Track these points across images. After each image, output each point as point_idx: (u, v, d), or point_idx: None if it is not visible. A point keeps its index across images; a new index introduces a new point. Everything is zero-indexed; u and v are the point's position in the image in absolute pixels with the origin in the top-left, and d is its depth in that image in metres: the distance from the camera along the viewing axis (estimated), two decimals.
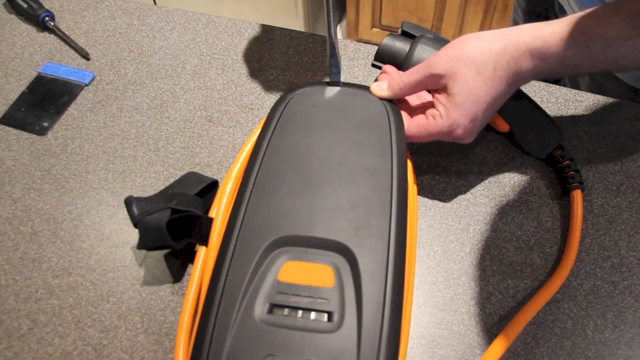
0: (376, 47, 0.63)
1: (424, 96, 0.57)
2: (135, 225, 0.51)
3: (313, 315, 0.40)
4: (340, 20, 2.10)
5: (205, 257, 0.50)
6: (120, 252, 0.57)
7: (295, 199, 0.45)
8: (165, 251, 0.56)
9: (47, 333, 0.52)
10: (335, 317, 0.39)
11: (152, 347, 0.51)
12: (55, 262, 0.56)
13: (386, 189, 0.45)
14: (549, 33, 0.48)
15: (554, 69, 0.49)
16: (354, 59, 0.71)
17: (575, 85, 0.81)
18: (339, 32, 2.09)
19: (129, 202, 0.52)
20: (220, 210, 0.51)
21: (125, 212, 0.59)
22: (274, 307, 0.40)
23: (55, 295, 0.54)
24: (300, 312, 0.40)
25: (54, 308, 0.54)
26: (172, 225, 0.51)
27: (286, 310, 0.40)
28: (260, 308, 0.40)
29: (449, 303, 0.53)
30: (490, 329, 0.51)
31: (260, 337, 0.39)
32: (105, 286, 0.55)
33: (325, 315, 0.40)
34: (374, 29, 1.92)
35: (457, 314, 0.52)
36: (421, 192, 0.59)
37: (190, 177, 0.57)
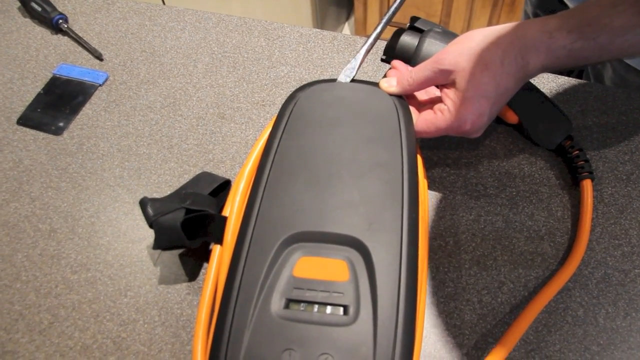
0: (385, 43, 0.63)
1: (432, 91, 0.58)
2: (151, 226, 0.52)
3: (329, 309, 0.40)
4: (347, 17, 2.11)
5: (220, 256, 0.51)
6: (136, 247, 0.58)
7: (308, 196, 0.46)
8: (180, 250, 0.57)
9: (68, 327, 0.53)
10: (351, 310, 0.40)
11: (169, 340, 0.52)
12: (73, 258, 0.58)
13: (397, 184, 0.46)
14: (555, 27, 0.48)
15: (562, 62, 0.49)
16: None
17: (599, 78, 0.81)
18: (347, 28, 2.10)
19: (143, 203, 0.52)
20: (234, 209, 0.52)
21: None
22: (290, 302, 0.41)
23: (75, 291, 0.55)
24: (316, 307, 0.40)
25: (74, 303, 0.55)
26: (187, 224, 0.52)
27: (302, 305, 0.40)
28: (276, 303, 0.40)
29: (461, 293, 0.53)
30: (503, 318, 0.52)
31: (277, 331, 0.39)
32: (122, 281, 0.56)
33: (341, 309, 0.40)
34: None
35: (469, 303, 0.53)
36: (432, 184, 0.60)
37: (203, 177, 0.58)
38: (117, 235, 0.59)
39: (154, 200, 0.53)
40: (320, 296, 0.41)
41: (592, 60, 0.49)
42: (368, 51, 0.58)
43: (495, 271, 0.54)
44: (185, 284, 0.55)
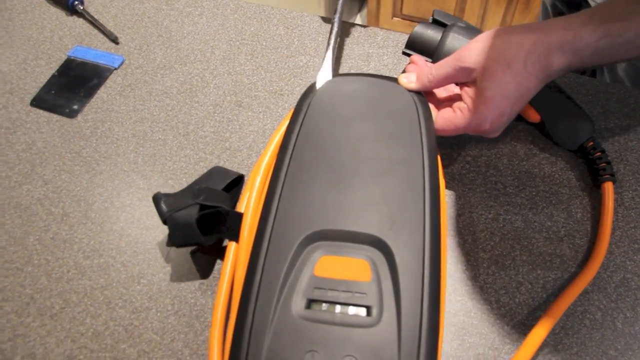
0: (406, 36, 0.62)
1: (451, 88, 0.57)
2: (165, 222, 0.51)
3: (352, 309, 0.39)
4: (360, 9, 2.10)
5: (235, 253, 0.50)
6: (150, 234, 0.57)
7: (328, 193, 0.45)
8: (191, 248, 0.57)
9: (79, 313, 0.53)
10: (374, 311, 0.39)
11: (182, 329, 0.51)
12: (86, 244, 0.57)
13: (419, 182, 0.45)
14: (579, 25, 0.47)
15: (587, 61, 0.48)
16: (384, 47, 0.71)
17: (613, 70, 0.79)
18: (359, 20, 2.08)
19: (157, 198, 0.51)
20: (250, 205, 0.51)
21: None
22: (311, 302, 0.40)
23: (87, 276, 0.55)
24: (338, 307, 0.39)
25: (86, 288, 0.54)
26: (201, 221, 0.51)
27: (324, 305, 0.40)
28: (297, 303, 0.40)
29: (479, 292, 0.53)
30: (520, 318, 0.51)
31: (299, 333, 0.38)
32: (135, 268, 0.55)
33: (364, 310, 0.39)
34: (394, 18, 1.91)
35: (487, 302, 0.52)
36: (451, 181, 0.59)
37: (216, 172, 0.57)
38: (130, 221, 0.58)
39: (167, 195, 0.52)
40: (342, 296, 0.40)
41: (618, 57, 0.48)
42: (334, 54, 0.58)
43: (514, 271, 0.54)
44: (199, 273, 0.54)
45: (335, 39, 0.59)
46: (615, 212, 0.57)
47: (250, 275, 0.41)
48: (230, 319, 0.43)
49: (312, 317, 0.39)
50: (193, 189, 0.53)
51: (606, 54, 0.47)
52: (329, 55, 0.57)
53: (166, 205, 0.51)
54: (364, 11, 2.09)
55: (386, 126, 0.49)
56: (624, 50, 0.47)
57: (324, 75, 0.54)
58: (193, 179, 0.60)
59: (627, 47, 0.47)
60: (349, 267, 0.41)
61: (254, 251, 0.43)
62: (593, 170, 0.59)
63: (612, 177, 0.57)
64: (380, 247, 0.41)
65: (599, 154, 0.58)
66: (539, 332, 0.48)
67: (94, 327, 0.52)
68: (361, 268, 0.41)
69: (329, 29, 0.73)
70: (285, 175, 0.46)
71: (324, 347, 0.37)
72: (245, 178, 0.59)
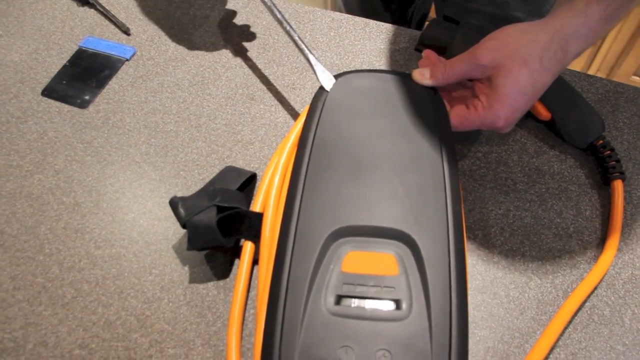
0: (418, 32, 0.63)
1: (465, 84, 0.57)
2: (184, 226, 0.51)
3: (381, 304, 0.40)
4: None
5: (251, 252, 0.51)
6: (162, 225, 0.58)
7: (350, 189, 0.45)
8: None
9: (91, 302, 0.53)
10: (404, 304, 0.39)
11: (194, 320, 0.52)
12: (97, 233, 0.57)
13: (439, 176, 0.46)
14: (584, 5, 0.48)
15: (601, 33, 0.49)
16: (395, 43, 0.71)
17: None
18: None
19: (174, 203, 0.51)
20: (269, 204, 0.51)
21: (168, 187, 0.60)
22: (341, 298, 0.40)
23: (99, 266, 0.55)
24: (368, 302, 0.40)
25: (97, 278, 0.54)
26: (221, 222, 0.51)
27: (354, 301, 0.40)
28: (327, 300, 0.40)
29: (489, 286, 0.53)
30: (530, 313, 0.52)
31: (331, 329, 0.39)
32: (147, 258, 0.55)
33: (393, 303, 0.40)
34: None
35: (497, 297, 0.53)
36: (462, 177, 0.60)
37: (229, 172, 0.57)
38: (142, 212, 0.59)
39: (183, 199, 0.52)
40: (371, 291, 0.40)
41: (623, 14, 0.49)
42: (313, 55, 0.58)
43: (523, 266, 0.54)
44: (211, 264, 0.55)
45: (302, 40, 0.58)
46: (624, 209, 0.58)
47: (278, 273, 0.42)
48: (257, 318, 0.43)
49: (343, 313, 0.39)
50: (208, 191, 0.53)
51: (614, 17, 0.48)
52: (312, 58, 0.57)
53: (184, 210, 0.50)
54: None
55: (403, 121, 0.50)
56: (626, 6, 0.48)
57: (325, 76, 0.55)
58: (205, 171, 0.60)
59: (629, 3, 0.48)
60: (375, 261, 0.41)
61: (279, 250, 0.43)
62: (602, 168, 0.60)
63: (622, 175, 0.58)
64: (406, 240, 0.42)
65: (608, 152, 0.59)
66: (552, 331, 0.49)
67: (106, 316, 0.52)
68: (388, 262, 0.41)
69: (338, 25, 0.73)
70: (306, 174, 0.46)
71: (357, 342, 0.38)
72: (258, 174, 0.59)
